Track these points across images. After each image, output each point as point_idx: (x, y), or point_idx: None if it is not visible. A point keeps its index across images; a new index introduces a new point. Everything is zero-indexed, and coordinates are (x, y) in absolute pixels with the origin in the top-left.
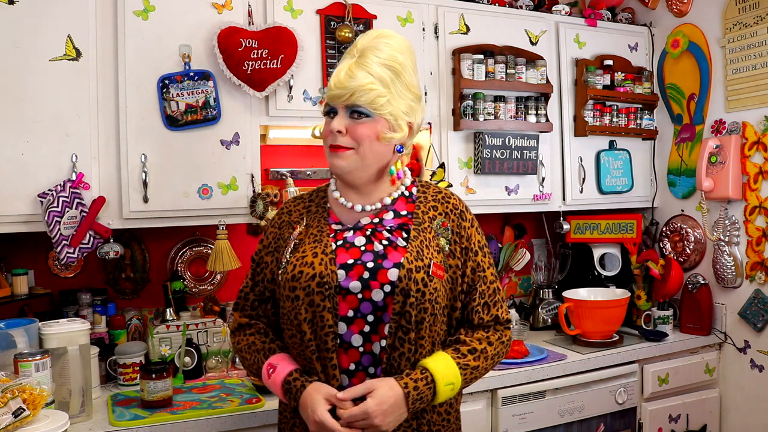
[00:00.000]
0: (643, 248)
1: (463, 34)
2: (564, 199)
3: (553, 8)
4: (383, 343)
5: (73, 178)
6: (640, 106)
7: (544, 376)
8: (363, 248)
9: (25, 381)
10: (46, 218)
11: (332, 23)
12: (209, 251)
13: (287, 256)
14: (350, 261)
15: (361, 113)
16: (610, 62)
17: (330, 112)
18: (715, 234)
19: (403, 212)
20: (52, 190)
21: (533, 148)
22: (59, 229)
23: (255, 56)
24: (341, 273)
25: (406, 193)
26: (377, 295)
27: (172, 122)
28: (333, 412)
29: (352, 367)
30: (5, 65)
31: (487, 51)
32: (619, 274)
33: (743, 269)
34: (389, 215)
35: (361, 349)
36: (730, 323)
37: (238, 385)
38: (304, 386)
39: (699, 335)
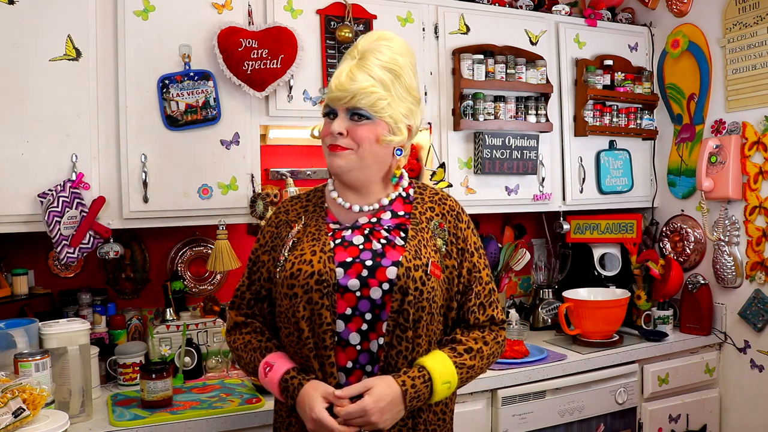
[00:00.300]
0: (643, 248)
1: (463, 34)
2: (564, 199)
3: (553, 8)
4: (381, 341)
5: (73, 178)
6: (640, 106)
7: (544, 376)
8: (361, 247)
9: (25, 381)
10: (46, 218)
11: (332, 23)
12: (209, 251)
13: (285, 254)
14: (349, 259)
15: (361, 116)
16: (610, 62)
17: (330, 114)
18: (715, 234)
19: (401, 212)
20: (52, 190)
21: (533, 148)
22: (59, 229)
23: (255, 56)
24: (339, 271)
25: (404, 194)
26: (375, 293)
27: (172, 122)
28: (330, 410)
29: (350, 365)
30: (5, 65)
31: (487, 51)
32: (619, 274)
33: (743, 269)
34: (387, 215)
35: (358, 347)
36: (730, 323)
37: (238, 385)
38: (302, 384)
39: (699, 335)
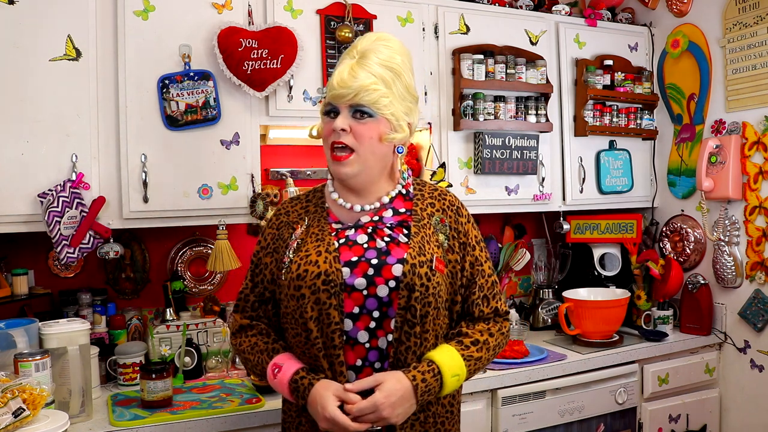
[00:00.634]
0: (643, 248)
1: (463, 34)
2: (564, 199)
3: (553, 8)
4: (389, 337)
5: (73, 178)
6: (640, 106)
7: (544, 376)
8: (366, 246)
9: (25, 381)
10: (46, 218)
11: (332, 23)
12: (209, 251)
13: (290, 256)
14: (354, 258)
15: (364, 113)
16: (610, 62)
17: (331, 112)
18: (715, 234)
19: (402, 210)
20: (52, 190)
21: (533, 148)
22: (59, 229)
23: (255, 56)
24: (346, 270)
25: (403, 192)
26: (382, 291)
27: (172, 122)
28: (342, 408)
29: (359, 363)
30: (5, 65)
31: (487, 51)
32: (619, 274)
33: (743, 269)
34: (388, 213)
35: (367, 345)
36: (730, 323)
37: (238, 385)
38: (312, 384)
39: (699, 335)
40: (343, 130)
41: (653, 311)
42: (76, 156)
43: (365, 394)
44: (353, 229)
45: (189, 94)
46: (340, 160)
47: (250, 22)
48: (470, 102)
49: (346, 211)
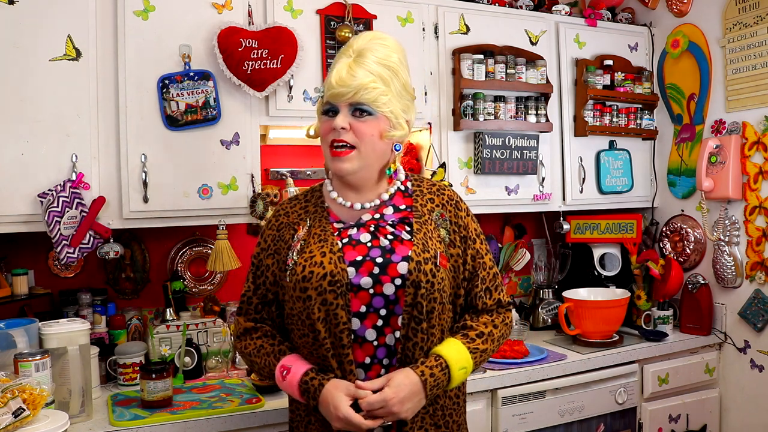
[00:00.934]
0: (643, 248)
1: (463, 34)
2: (564, 199)
3: (553, 8)
4: (397, 334)
5: (73, 178)
6: (640, 106)
7: (544, 376)
8: (369, 244)
9: (25, 381)
10: (46, 218)
11: (332, 23)
12: (209, 251)
13: (294, 258)
14: (359, 258)
15: (363, 111)
16: (610, 62)
17: (330, 111)
18: (715, 234)
19: (402, 206)
20: (52, 190)
21: (533, 148)
22: (59, 229)
23: (255, 56)
24: (351, 270)
25: (402, 188)
26: (388, 289)
27: (172, 122)
28: (354, 406)
29: (368, 360)
30: (5, 65)
31: (487, 51)
32: (619, 274)
33: (743, 269)
34: (389, 210)
35: (375, 342)
36: (730, 323)
37: (238, 385)
38: (322, 384)
39: (699, 335)
40: (343, 128)
41: (653, 311)
42: (76, 156)
43: (374, 392)
44: (355, 228)
45: (189, 94)
46: (340, 156)
47: (250, 22)
48: (470, 102)
49: (346, 210)
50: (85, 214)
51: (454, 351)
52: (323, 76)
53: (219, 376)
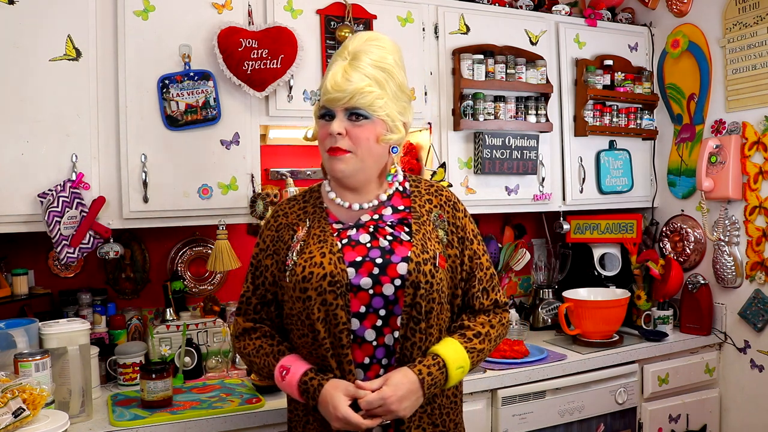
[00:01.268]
0: (643, 248)
1: (463, 34)
2: (564, 199)
3: (553, 8)
4: (396, 334)
5: (73, 178)
6: (640, 106)
7: (544, 376)
8: (369, 245)
9: (25, 381)
10: (46, 218)
11: (332, 23)
12: (209, 251)
13: (294, 258)
14: (358, 258)
15: (359, 115)
16: (610, 62)
17: (326, 115)
18: (715, 234)
19: (401, 207)
20: (52, 190)
21: (533, 148)
22: (59, 229)
23: (255, 56)
24: (351, 271)
25: (400, 189)
26: (388, 290)
27: (172, 122)
28: (353, 406)
29: (367, 360)
30: (5, 65)
31: (487, 51)
32: (619, 274)
33: (743, 269)
34: (388, 211)
35: (374, 342)
36: (730, 323)
37: (238, 385)
38: (321, 385)
39: (699, 335)
40: (339, 134)
41: (653, 311)
42: (76, 156)
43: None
44: (354, 229)
45: (189, 94)
46: (336, 155)
47: (250, 22)
48: (470, 102)
49: (344, 211)
50: (85, 214)
51: (451, 350)
52: (323, 76)
53: (219, 376)
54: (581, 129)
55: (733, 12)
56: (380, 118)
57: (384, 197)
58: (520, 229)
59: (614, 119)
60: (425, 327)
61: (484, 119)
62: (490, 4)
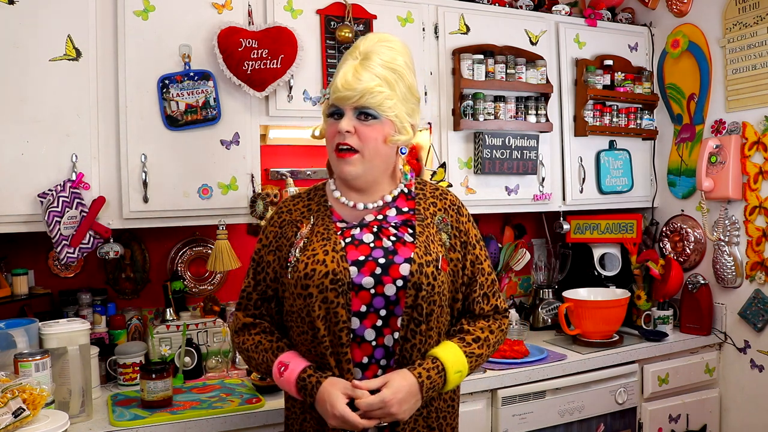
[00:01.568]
0: (643, 248)
1: (463, 34)
2: (564, 199)
3: (553, 8)
4: (396, 335)
5: (73, 178)
6: (640, 106)
7: (544, 376)
8: (372, 245)
9: (25, 381)
10: (46, 218)
11: (332, 23)
12: (209, 251)
13: (297, 255)
14: (361, 257)
15: (368, 115)
16: (610, 62)
17: (335, 114)
18: (715, 234)
19: (405, 209)
20: (52, 190)
21: (533, 148)
22: (59, 229)
23: (255, 56)
24: (353, 269)
25: (405, 191)
26: (390, 290)
27: (172, 122)
28: (350, 405)
29: (365, 360)
30: (5, 65)
31: (487, 51)
32: (619, 274)
33: (743, 269)
34: (392, 212)
35: (373, 342)
36: (730, 323)
37: (238, 385)
38: (320, 382)
39: (699, 335)
40: (348, 132)
41: (653, 311)
42: (76, 156)
43: (371, 393)
44: (358, 228)
45: (189, 94)
46: (344, 157)
47: (250, 22)
48: (470, 102)
49: (349, 210)
50: (85, 214)
51: (450, 354)
52: (323, 76)
53: (219, 376)
54: (581, 129)
55: (733, 12)
56: (389, 119)
57: (389, 198)
58: (520, 229)
59: (614, 119)
60: (425, 329)
61: (484, 119)
62: (490, 4)
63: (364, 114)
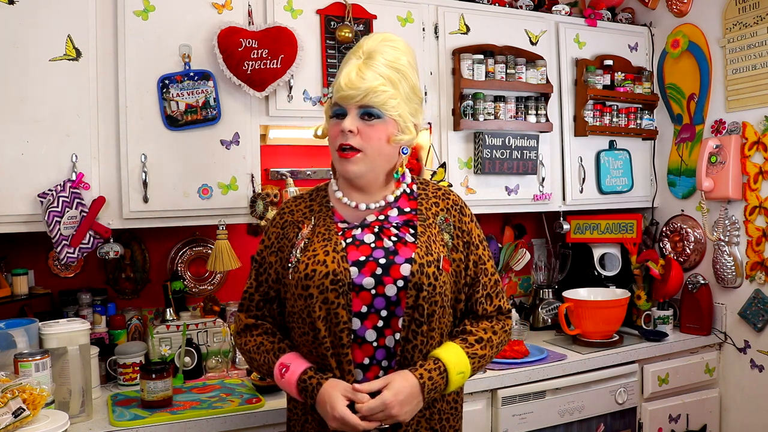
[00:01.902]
0: (643, 248)
1: (463, 34)
2: (564, 199)
3: (553, 8)
4: (397, 336)
5: (73, 178)
6: (640, 106)
7: (544, 376)
8: (373, 245)
9: (25, 381)
10: (46, 218)
11: (332, 23)
12: (209, 251)
13: (297, 256)
14: (362, 258)
15: (372, 114)
16: (610, 62)
17: (338, 113)
18: (715, 234)
19: (407, 209)
20: (52, 190)
21: (533, 148)
22: (59, 229)
23: (255, 56)
24: (354, 270)
25: (408, 191)
26: (390, 291)
27: (172, 122)
28: (351, 407)
29: (366, 361)
30: (5, 65)
31: (487, 51)
32: (619, 274)
33: (743, 269)
34: (394, 212)
35: (374, 343)
36: (730, 323)
37: (238, 385)
38: (320, 384)
39: (699, 335)
40: (351, 131)
41: (653, 311)
42: (76, 156)
43: (372, 394)
44: (360, 229)
45: (189, 94)
46: (347, 157)
47: (250, 22)
48: (470, 102)
49: (350, 210)
50: (85, 214)
51: (453, 355)
52: (323, 76)
53: (219, 376)
54: (581, 129)
55: (733, 12)
56: (392, 118)
57: (391, 198)
58: (520, 229)
59: (614, 119)
60: (427, 330)
61: (484, 119)
62: (490, 4)
63: (367, 114)
